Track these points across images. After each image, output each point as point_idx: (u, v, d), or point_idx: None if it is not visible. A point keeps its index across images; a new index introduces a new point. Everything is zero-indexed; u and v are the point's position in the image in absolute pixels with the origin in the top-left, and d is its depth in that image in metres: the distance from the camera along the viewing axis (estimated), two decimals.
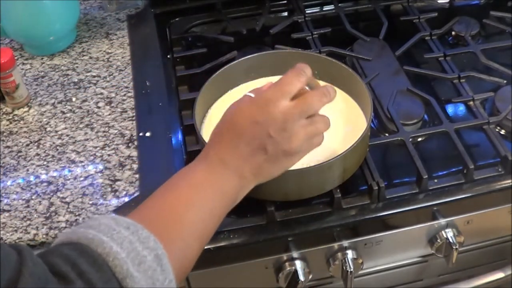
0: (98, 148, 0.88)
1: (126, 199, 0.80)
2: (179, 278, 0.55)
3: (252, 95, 0.66)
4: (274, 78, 0.70)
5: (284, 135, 0.63)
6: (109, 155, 0.87)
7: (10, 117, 0.95)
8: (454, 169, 0.84)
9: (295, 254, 0.81)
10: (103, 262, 0.48)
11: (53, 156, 0.88)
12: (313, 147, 0.68)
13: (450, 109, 0.94)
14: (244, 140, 0.63)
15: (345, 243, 0.81)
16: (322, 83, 0.87)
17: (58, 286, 0.45)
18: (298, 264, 0.80)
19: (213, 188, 0.62)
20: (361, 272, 0.85)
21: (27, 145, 0.90)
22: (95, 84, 0.99)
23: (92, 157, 0.87)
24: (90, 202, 0.80)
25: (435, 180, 0.82)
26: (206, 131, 0.81)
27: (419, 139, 0.88)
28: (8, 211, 0.80)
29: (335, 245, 0.82)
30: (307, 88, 0.68)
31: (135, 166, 0.85)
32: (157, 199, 0.61)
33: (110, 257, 0.48)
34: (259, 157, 0.63)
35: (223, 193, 0.62)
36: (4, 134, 0.91)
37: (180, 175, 0.63)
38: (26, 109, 0.96)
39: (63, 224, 0.78)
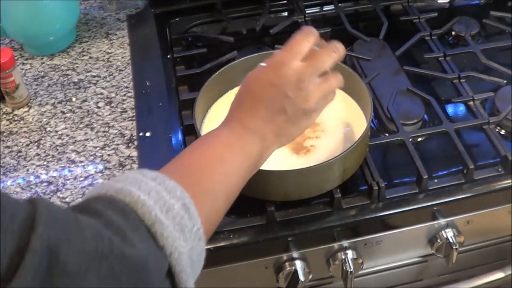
0: (98, 148, 0.88)
1: None
2: (207, 232, 0.55)
3: (264, 64, 0.67)
4: None
5: (300, 94, 0.64)
6: (109, 155, 0.87)
7: (10, 117, 0.95)
8: (454, 169, 0.84)
9: (295, 254, 0.80)
10: (131, 211, 0.48)
11: (53, 156, 0.88)
12: (327, 104, 0.69)
13: (450, 109, 0.94)
14: (263, 104, 0.64)
15: (345, 243, 0.81)
16: None
17: (87, 219, 0.44)
18: (298, 264, 0.80)
19: (239, 149, 0.63)
20: (361, 272, 0.85)
21: (27, 145, 0.90)
22: (95, 84, 0.99)
23: (92, 157, 0.87)
24: None
25: (435, 180, 0.82)
26: (206, 131, 0.81)
27: (419, 139, 0.88)
28: None
29: (335, 245, 0.82)
30: (315, 48, 0.69)
31: (135, 166, 0.85)
32: (187, 154, 0.62)
33: (138, 205, 0.48)
34: (279, 118, 0.64)
35: (249, 154, 0.63)
36: (4, 134, 0.91)
37: (206, 137, 0.65)
38: (26, 109, 0.96)
39: None
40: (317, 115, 0.68)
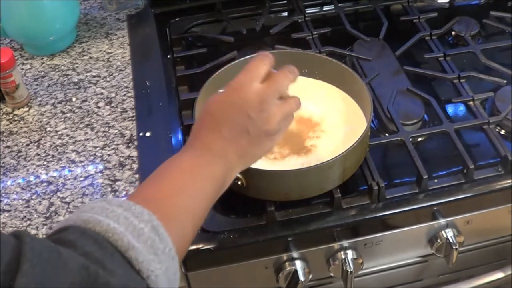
0: (98, 148, 0.88)
1: None
2: (179, 253, 0.55)
3: (223, 90, 0.67)
4: None
5: (262, 116, 0.64)
6: (109, 155, 0.87)
7: (10, 117, 0.95)
8: (454, 169, 0.84)
9: (295, 254, 0.81)
10: (103, 240, 0.48)
11: (53, 156, 0.88)
12: (287, 126, 0.69)
13: (450, 109, 0.94)
14: (226, 125, 0.64)
15: (345, 243, 0.81)
16: (322, 83, 0.88)
17: (67, 251, 0.45)
18: (298, 264, 0.80)
19: (202, 173, 0.62)
20: (361, 272, 0.85)
21: (27, 145, 0.90)
22: (95, 84, 0.99)
23: (92, 157, 0.87)
24: None
25: (435, 180, 0.82)
26: None
27: (419, 139, 0.88)
28: (8, 211, 0.80)
29: (335, 245, 0.82)
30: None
31: (135, 166, 0.85)
32: (149, 186, 0.61)
33: (109, 233, 0.49)
34: (242, 139, 0.64)
35: (212, 177, 0.63)
36: (4, 134, 0.91)
37: (168, 164, 0.64)
38: (26, 109, 0.96)
39: None
40: (279, 137, 0.68)
